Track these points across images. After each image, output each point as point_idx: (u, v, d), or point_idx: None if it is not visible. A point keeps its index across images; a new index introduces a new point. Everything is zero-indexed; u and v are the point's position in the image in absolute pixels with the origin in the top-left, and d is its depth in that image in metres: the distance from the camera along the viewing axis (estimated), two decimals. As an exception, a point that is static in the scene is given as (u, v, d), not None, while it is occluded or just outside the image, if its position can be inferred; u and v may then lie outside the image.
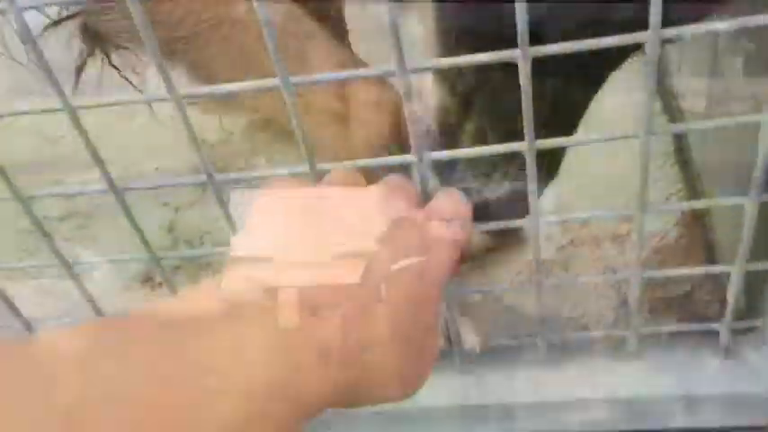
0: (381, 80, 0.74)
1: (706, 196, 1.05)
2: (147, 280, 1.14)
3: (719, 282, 0.99)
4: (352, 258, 0.44)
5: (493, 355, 0.75)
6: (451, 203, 0.52)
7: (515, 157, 0.57)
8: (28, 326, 0.71)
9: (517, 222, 0.58)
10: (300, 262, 0.43)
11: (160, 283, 1.14)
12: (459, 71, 0.63)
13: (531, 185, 0.53)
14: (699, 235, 1.06)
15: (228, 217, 0.56)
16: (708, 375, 0.71)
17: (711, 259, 1.01)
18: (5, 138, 1.32)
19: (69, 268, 0.65)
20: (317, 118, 0.74)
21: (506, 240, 1.06)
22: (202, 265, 1.12)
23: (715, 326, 0.69)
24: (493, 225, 0.60)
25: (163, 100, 0.49)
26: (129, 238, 0.62)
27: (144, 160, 1.30)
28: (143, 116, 1.27)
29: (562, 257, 1.09)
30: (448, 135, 0.67)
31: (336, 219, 0.47)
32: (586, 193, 1.13)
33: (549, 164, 0.67)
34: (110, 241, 1.21)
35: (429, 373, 0.48)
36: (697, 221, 1.07)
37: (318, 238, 0.45)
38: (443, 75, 0.65)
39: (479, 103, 0.65)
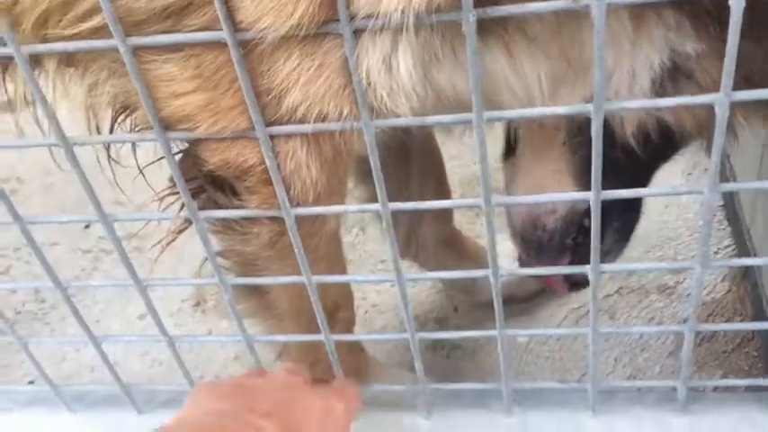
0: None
1: (755, 253, 1.04)
2: (198, 303, 1.18)
3: (767, 338, 0.99)
4: None
5: (540, 398, 0.75)
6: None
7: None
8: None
9: (576, 269, 0.59)
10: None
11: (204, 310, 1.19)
12: None
13: (594, 237, 0.54)
14: (747, 290, 1.06)
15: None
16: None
17: (760, 314, 1.01)
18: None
19: (140, 284, 0.67)
20: None
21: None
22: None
23: (763, 382, 0.70)
24: (544, 270, 0.62)
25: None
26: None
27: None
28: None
29: (608, 305, 1.10)
30: None
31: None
32: (638, 242, 1.14)
33: (623, 231, 0.71)
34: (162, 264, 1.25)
35: None
36: (745, 277, 1.07)
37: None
38: None
39: None
